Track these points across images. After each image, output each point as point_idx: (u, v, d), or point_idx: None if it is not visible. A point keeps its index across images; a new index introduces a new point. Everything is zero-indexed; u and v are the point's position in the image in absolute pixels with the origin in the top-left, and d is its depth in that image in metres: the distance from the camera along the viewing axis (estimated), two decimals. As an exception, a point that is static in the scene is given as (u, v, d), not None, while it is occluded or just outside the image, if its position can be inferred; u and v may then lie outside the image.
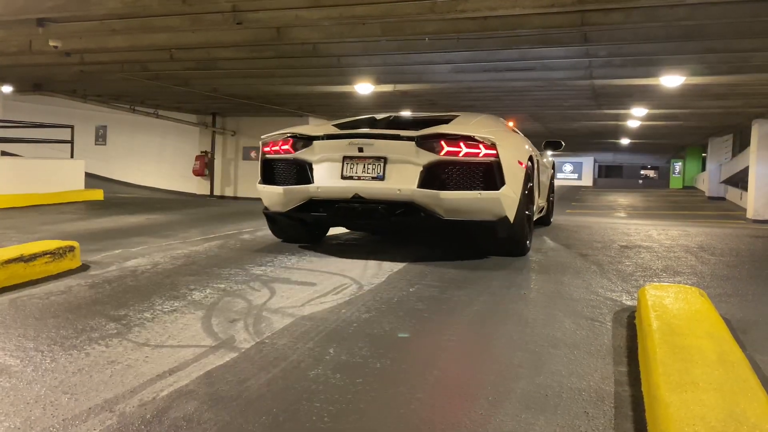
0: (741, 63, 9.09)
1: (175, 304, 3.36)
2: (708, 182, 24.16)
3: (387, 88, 12.03)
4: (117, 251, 4.91)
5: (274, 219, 5.33)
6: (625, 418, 2.06)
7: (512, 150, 4.80)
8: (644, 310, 2.79)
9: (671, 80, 10.17)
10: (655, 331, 2.44)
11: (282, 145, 4.93)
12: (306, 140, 4.82)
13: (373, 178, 4.60)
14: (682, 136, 23.57)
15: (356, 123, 5.63)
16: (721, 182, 22.98)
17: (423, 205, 4.48)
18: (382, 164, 4.59)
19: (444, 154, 4.43)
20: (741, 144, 20.26)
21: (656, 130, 20.80)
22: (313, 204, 4.82)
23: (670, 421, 1.70)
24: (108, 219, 7.51)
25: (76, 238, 5.46)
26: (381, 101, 14.23)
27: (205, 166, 18.70)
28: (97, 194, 10.69)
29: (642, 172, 46.66)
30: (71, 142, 11.02)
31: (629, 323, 3.10)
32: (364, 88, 11.86)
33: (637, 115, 16.32)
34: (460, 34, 7.54)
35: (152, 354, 2.60)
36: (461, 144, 4.43)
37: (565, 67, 9.90)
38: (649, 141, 26.92)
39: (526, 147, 5.37)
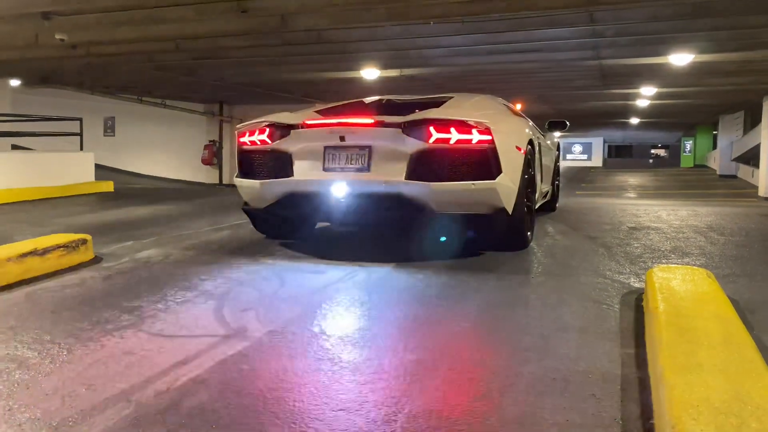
0: (750, 40, 8.98)
1: (188, 295, 3.42)
2: (719, 160, 23.97)
3: (393, 72, 12.01)
4: (129, 243, 4.98)
5: (254, 215, 4.96)
6: (631, 400, 2.09)
7: (510, 134, 4.46)
8: (651, 293, 2.81)
9: (680, 58, 10.07)
10: (661, 314, 2.46)
11: (259, 135, 4.52)
12: (284, 129, 4.43)
13: (357, 170, 4.19)
14: (693, 114, 23.36)
15: (342, 108, 5.20)
16: (732, 160, 22.79)
17: (412, 198, 4.09)
18: (366, 154, 4.19)
19: (433, 142, 4.04)
20: (752, 121, 20.06)
21: (666, 108, 20.63)
22: (294, 199, 4.43)
23: (674, 402, 1.72)
24: (119, 211, 7.58)
25: (89, 230, 5.52)
26: (388, 86, 14.18)
27: (213, 155, 18.79)
28: (108, 186, 10.79)
29: (652, 151, 46.33)
30: (80, 134, 11.09)
31: (637, 305, 3.11)
32: (370, 73, 11.85)
33: (646, 95, 16.19)
34: (465, 17, 7.50)
35: (166, 344, 2.65)
36: (452, 129, 4.04)
37: (572, 47, 9.82)
38: (658, 120, 26.70)
39: (526, 130, 4.99)
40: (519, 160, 4.45)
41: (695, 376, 1.89)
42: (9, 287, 3.55)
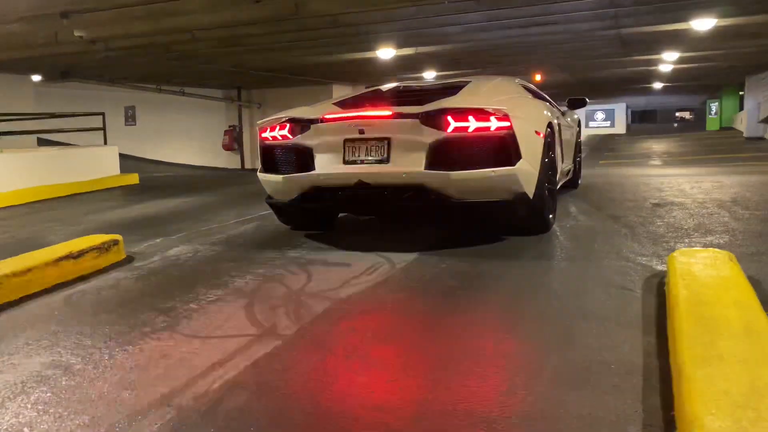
0: (775, 2, 8.74)
1: (219, 293, 3.53)
2: (746, 122, 23.41)
3: (409, 51, 11.95)
4: (158, 240, 5.11)
5: (278, 208, 5.09)
6: (653, 391, 2.14)
7: (528, 119, 4.49)
8: (672, 279, 2.84)
9: (702, 23, 9.85)
10: (681, 302, 2.49)
11: (279, 130, 4.63)
12: (304, 124, 4.52)
13: (377, 161, 4.26)
14: (717, 76, 22.84)
15: (359, 99, 5.28)
16: (759, 121, 22.26)
17: (432, 187, 4.16)
18: (385, 146, 4.24)
19: (452, 131, 4.08)
20: (780, 81, 19.57)
21: (689, 72, 20.19)
22: (317, 192, 4.53)
23: (694, 396, 1.78)
24: (145, 205, 7.75)
25: (118, 227, 5.70)
26: (404, 64, 14.13)
27: (233, 141, 18.94)
28: (133, 179, 10.99)
29: (677, 114, 45.39)
30: (104, 129, 11.28)
31: (659, 290, 3.14)
32: (386, 53, 11.82)
33: (668, 60, 15.86)
34: (480, -6, 7.45)
35: (201, 346, 2.76)
36: (470, 117, 4.06)
37: (590, 18, 9.67)
38: (682, 84, 26.14)
39: (545, 113, 5.01)
40: (538, 144, 4.47)
41: (715, 368, 1.94)
42: (48, 291, 3.71)
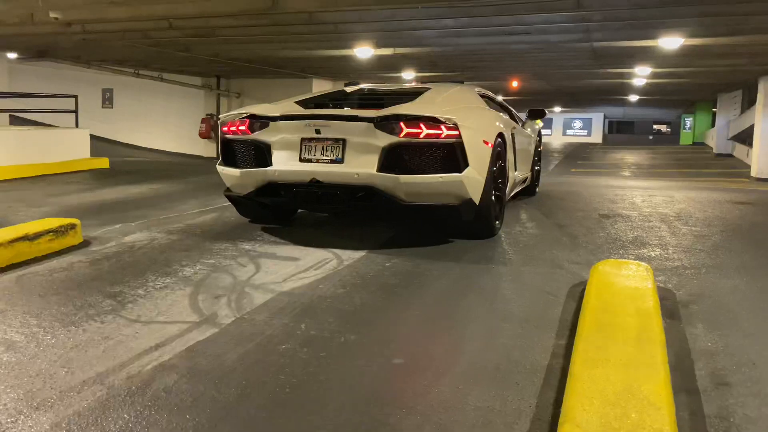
0: (737, 25, 9.07)
1: (167, 281, 3.66)
2: (716, 138, 24.04)
3: (387, 51, 12.12)
4: (117, 226, 5.21)
5: (236, 201, 5.23)
6: (550, 388, 2.33)
7: (478, 129, 4.66)
8: (588, 287, 3.05)
9: (669, 42, 10.16)
10: (588, 309, 2.70)
11: (239, 126, 4.78)
12: (264, 120, 4.68)
13: (332, 161, 4.46)
14: (691, 92, 23.40)
15: (322, 99, 5.44)
16: (728, 139, 22.86)
17: (383, 189, 4.35)
18: (341, 146, 4.45)
19: (404, 136, 4.29)
20: (749, 100, 20.08)
21: (663, 87, 20.65)
22: (273, 187, 4.70)
23: (572, 394, 1.97)
24: (111, 190, 7.81)
25: (80, 211, 5.77)
26: (382, 63, 14.28)
27: (210, 129, 18.89)
28: (103, 162, 10.99)
29: (654, 127, 46.21)
30: (76, 111, 11.26)
31: (580, 297, 3.34)
32: (363, 52, 11.97)
33: (641, 74, 16.24)
34: (452, 1, 7.63)
35: (142, 330, 2.90)
36: (422, 125, 4.28)
37: (562, 31, 9.91)
38: (657, 97, 26.70)
39: (496, 123, 5.19)
40: (486, 153, 4.67)
41: (600, 369, 2.14)
42: (1, 271, 3.80)
